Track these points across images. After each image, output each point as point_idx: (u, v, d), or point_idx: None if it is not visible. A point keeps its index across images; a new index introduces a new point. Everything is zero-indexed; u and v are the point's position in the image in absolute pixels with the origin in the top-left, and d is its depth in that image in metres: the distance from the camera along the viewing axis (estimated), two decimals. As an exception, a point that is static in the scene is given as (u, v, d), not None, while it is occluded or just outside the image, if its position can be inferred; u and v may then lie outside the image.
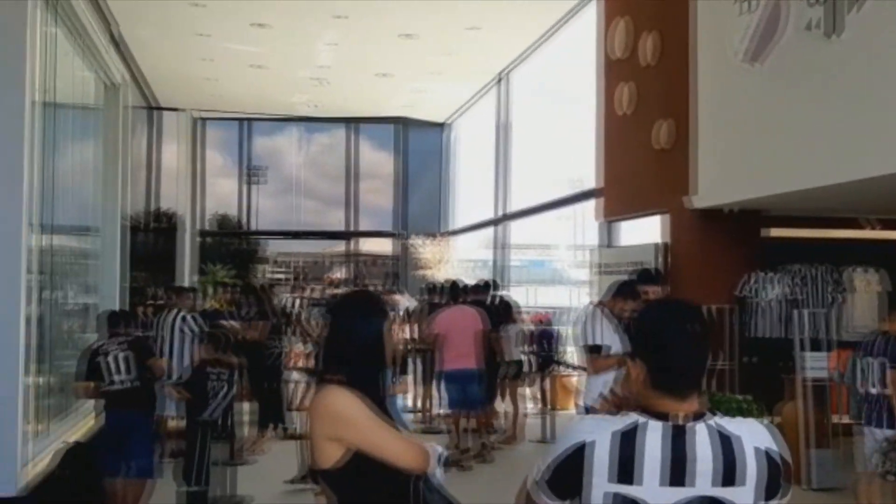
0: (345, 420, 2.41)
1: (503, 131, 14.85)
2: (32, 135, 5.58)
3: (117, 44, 9.62)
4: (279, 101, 16.20)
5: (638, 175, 9.08)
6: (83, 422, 7.51)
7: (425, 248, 16.66)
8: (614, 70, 9.63)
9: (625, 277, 6.60)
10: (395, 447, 2.42)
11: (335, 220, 19.62)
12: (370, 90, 15.29)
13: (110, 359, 5.78)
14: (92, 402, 6.98)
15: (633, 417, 1.87)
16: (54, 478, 6.02)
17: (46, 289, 6.76)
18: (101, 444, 5.93)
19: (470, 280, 10.52)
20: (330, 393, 2.47)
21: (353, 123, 18.78)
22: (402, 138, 18.77)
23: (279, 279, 18.93)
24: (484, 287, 9.32)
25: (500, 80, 14.69)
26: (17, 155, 5.33)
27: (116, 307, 8.82)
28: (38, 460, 5.93)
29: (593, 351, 5.39)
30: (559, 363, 9.92)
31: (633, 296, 5.40)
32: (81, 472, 5.98)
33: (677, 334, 1.89)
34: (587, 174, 10.89)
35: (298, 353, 10.40)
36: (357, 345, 2.50)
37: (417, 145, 18.67)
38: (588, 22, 10.80)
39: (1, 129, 5.28)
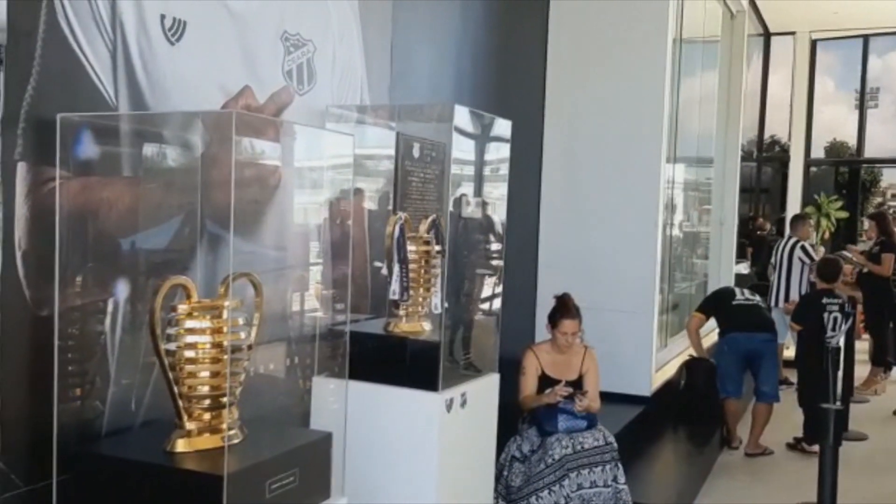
0: None
1: None
2: (669, 73, 5.96)
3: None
4: (909, 10, 14.35)
5: None
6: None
7: None
8: None
9: None
10: None
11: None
12: None
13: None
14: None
15: None
16: (676, 386, 6.60)
17: (668, 216, 7.30)
18: (722, 362, 6.20)
19: None
20: None
21: None
22: None
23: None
24: None
25: None
26: (658, 96, 5.77)
27: (733, 237, 9.14)
28: (661, 370, 6.55)
29: None
30: None
31: None
32: (701, 386, 6.42)
33: None
34: None
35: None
36: None
37: None
38: None
39: (648, 72, 5.74)
